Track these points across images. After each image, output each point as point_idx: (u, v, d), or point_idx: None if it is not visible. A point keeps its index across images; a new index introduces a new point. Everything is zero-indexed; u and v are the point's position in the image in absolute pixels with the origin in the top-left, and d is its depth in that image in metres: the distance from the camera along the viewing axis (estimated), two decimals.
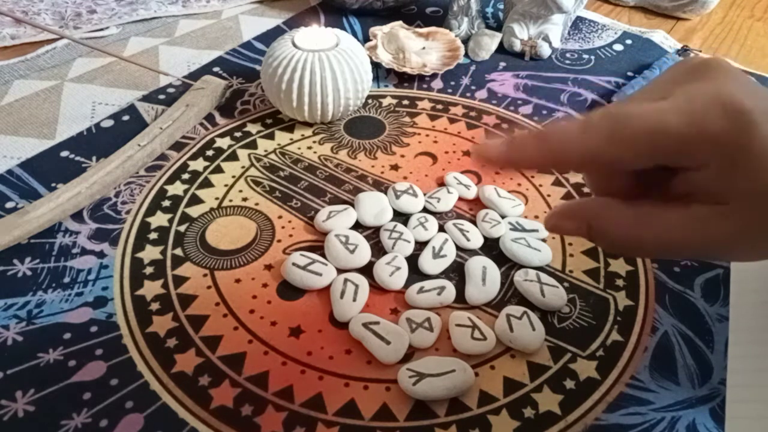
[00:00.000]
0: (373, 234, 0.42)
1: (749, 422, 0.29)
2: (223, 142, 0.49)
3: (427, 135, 0.52)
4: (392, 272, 0.38)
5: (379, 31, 0.62)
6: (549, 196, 0.46)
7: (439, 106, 0.55)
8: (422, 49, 0.61)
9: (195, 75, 0.57)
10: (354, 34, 0.66)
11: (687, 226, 0.21)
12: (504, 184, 0.47)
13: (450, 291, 0.37)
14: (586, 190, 0.47)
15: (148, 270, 0.38)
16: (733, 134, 0.19)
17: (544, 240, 0.42)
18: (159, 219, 0.42)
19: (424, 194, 0.44)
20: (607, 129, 0.20)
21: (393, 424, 0.31)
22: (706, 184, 0.21)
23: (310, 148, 0.49)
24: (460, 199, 0.45)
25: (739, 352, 0.32)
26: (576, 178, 0.48)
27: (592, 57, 0.65)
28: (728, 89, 0.20)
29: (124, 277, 0.38)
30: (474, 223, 0.43)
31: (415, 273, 0.39)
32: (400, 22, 0.65)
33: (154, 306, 0.36)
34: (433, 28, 0.64)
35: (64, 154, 0.47)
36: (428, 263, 0.39)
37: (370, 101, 0.55)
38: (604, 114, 0.21)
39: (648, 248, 0.23)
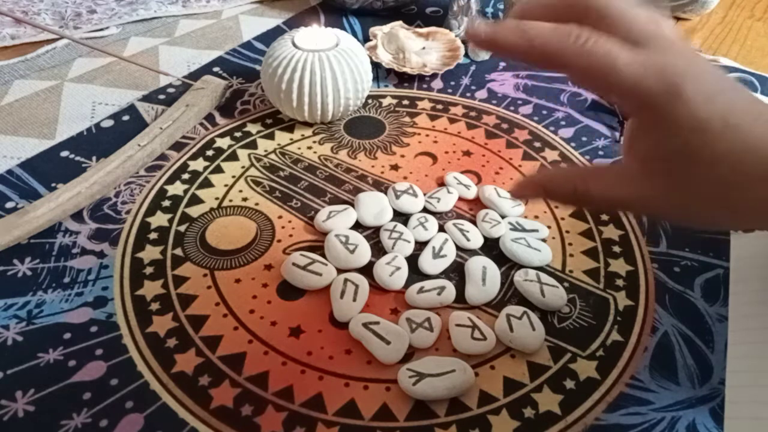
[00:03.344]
0: (373, 234, 0.42)
1: (749, 423, 0.29)
2: (223, 142, 0.49)
3: (427, 135, 0.52)
4: (392, 272, 0.38)
5: (379, 31, 0.62)
6: None
7: (439, 106, 0.55)
8: (422, 49, 0.61)
9: (195, 75, 0.57)
10: (354, 34, 0.66)
11: (623, 184, 0.24)
12: (504, 184, 0.47)
13: (450, 291, 0.37)
14: None
15: (148, 270, 0.38)
16: (661, 97, 0.22)
17: (544, 240, 0.42)
18: (159, 219, 0.42)
19: (424, 194, 0.44)
20: (580, 40, 0.22)
21: (393, 424, 0.31)
22: (642, 145, 0.24)
23: (310, 148, 0.49)
24: (460, 199, 0.45)
25: (739, 353, 0.32)
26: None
27: None
28: (674, 60, 0.22)
29: (124, 277, 0.38)
30: (474, 223, 0.43)
31: (415, 273, 0.39)
32: (400, 22, 0.65)
33: (154, 306, 0.36)
34: (433, 28, 0.64)
35: (64, 154, 0.47)
36: (428, 263, 0.39)
37: (370, 101, 0.55)
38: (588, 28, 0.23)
39: (596, 202, 0.25)
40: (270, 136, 0.50)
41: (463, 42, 0.63)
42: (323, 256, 0.39)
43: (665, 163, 0.23)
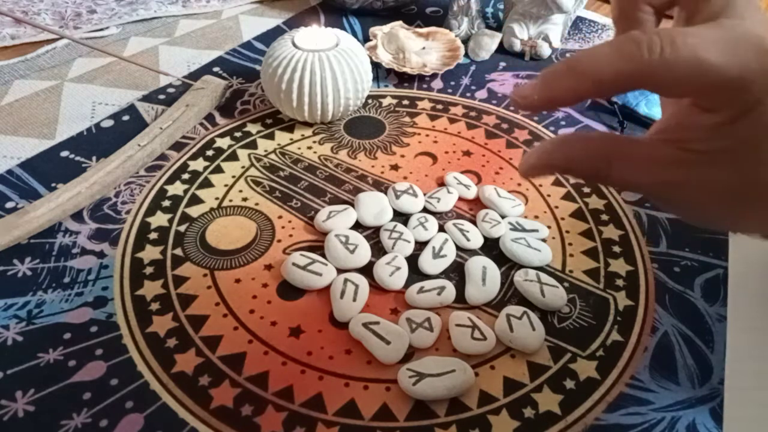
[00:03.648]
0: (373, 234, 0.42)
1: (748, 423, 0.29)
2: (223, 142, 0.49)
3: (427, 135, 0.52)
4: (392, 272, 0.38)
5: (379, 31, 0.62)
6: (549, 196, 0.46)
7: (439, 106, 0.55)
8: (422, 49, 0.61)
9: (195, 75, 0.57)
10: (354, 34, 0.66)
11: (651, 170, 0.21)
12: (504, 184, 0.47)
13: (450, 291, 0.37)
14: (586, 190, 0.47)
15: (148, 270, 0.38)
16: (756, 79, 0.18)
17: (544, 240, 0.42)
18: (159, 219, 0.42)
19: (424, 194, 0.44)
20: (654, 49, 0.18)
21: (393, 424, 0.31)
22: (695, 130, 0.20)
23: (310, 148, 0.49)
24: (460, 199, 0.45)
25: (738, 354, 0.32)
26: (576, 178, 0.48)
27: None
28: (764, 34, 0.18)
29: (124, 277, 0.38)
30: (474, 223, 0.43)
31: (415, 273, 0.39)
32: (400, 22, 0.65)
33: (154, 306, 0.36)
34: (433, 28, 0.64)
35: (64, 154, 0.47)
36: (428, 263, 0.39)
37: (370, 101, 0.55)
38: (654, 35, 0.18)
39: (617, 185, 0.22)
40: (270, 136, 0.50)
41: (463, 42, 0.63)
42: (323, 256, 0.39)
43: (728, 154, 0.20)
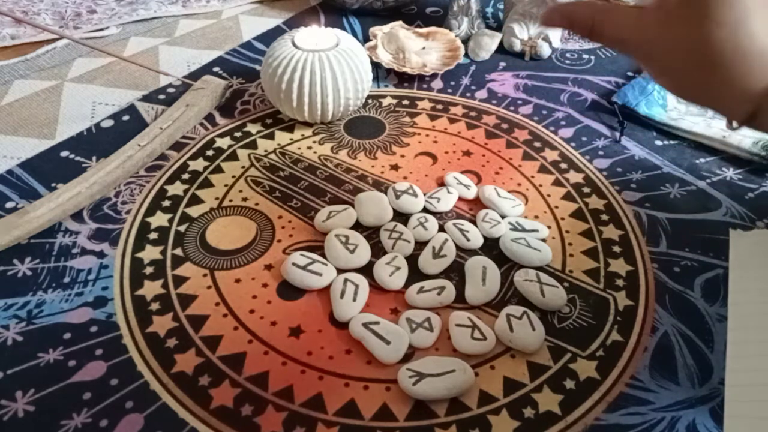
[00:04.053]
0: (373, 234, 0.42)
1: (748, 421, 0.29)
2: (223, 142, 0.49)
3: (427, 135, 0.52)
4: (392, 272, 0.38)
5: (379, 31, 0.62)
6: (549, 196, 0.46)
7: (439, 106, 0.55)
8: (422, 49, 0.61)
9: (195, 75, 0.57)
10: (354, 34, 0.66)
11: (636, 28, 0.28)
12: (504, 184, 0.47)
13: (450, 291, 0.37)
14: (586, 190, 0.47)
15: (148, 270, 0.38)
16: None
17: (544, 240, 0.42)
18: (159, 219, 0.42)
19: (424, 194, 0.44)
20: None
21: (393, 424, 0.31)
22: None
23: (310, 148, 0.49)
24: (460, 199, 0.45)
25: (738, 352, 0.32)
26: (576, 178, 0.48)
27: (592, 57, 0.65)
28: None
29: (124, 277, 0.38)
30: (474, 223, 0.43)
31: (415, 273, 0.39)
32: (400, 22, 0.65)
33: (154, 306, 0.36)
34: (433, 28, 0.64)
35: (64, 154, 0.47)
36: (428, 263, 0.39)
37: (370, 101, 0.55)
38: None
39: (606, 40, 0.29)
40: (270, 136, 0.50)
41: (463, 42, 0.63)
42: (323, 256, 0.39)
43: (683, 10, 0.26)
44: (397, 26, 0.63)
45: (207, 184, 0.45)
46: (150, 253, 0.40)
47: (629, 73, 0.62)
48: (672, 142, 0.52)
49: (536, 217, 0.44)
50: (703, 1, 0.25)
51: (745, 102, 0.26)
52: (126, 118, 0.51)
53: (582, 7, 0.30)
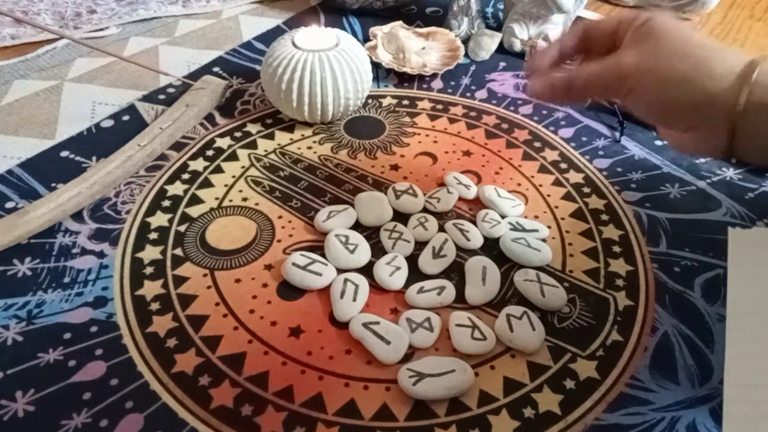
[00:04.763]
0: (373, 234, 0.42)
1: (748, 422, 0.28)
2: (223, 142, 0.49)
3: (427, 135, 0.52)
4: (392, 272, 0.38)
5: (379, 31, 0.62)
6: (549, 196, 0.46)
7: (439, 106, 0.55)
8: (422, 49, 0.61)
9: (195, 75, 0.57)
10: (354, 34, 0.66)
11: (603, 66, 0.32)
12: (504, 184, 0.47)
13: (450, 291, 0.37)
14: (586, 190, 0.47)
15: (148, 270, 0.38)
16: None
17: (544, 240, 0.42)
18: (159, 219, 0.42)
19: (424, 194, 0.44)
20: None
21: (393, 424, 0.31)
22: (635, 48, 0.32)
23: (310, 148, 0.49)
24: (460, 199, 0.45)
25: (737, 352, 0.32)
26: (576, 178, 0.48)
27: None
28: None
29: (124, 277, 0.38)
30: (474, 223, 0.43)
31: (415, 273, 0.39)
32: (400, 22, 0.65)
33: (154, 306, 0.36)
34: (433, 28, 0.64)
35: (64, 154, 0.47)
36: (428, 263, 0.39)
37: (370, 101, 0.55)
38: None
39: (579, 86, 0.33)
40: (270, 136, 0.50)
41: (463, 42, 0.63)
42: (323, 256, 0.39)
43: (637, 45, 0.32)
44: (397, 26, 0.63)
45: (207, 184, 0.45)
46: (150, 253, 0.40)
47: None
48: None
49: (536, 217, 0.44)
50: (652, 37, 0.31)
51: (719, 118, 0.30)
52: (126, 118, 0.51)
53: (546, 83, 0.35)
